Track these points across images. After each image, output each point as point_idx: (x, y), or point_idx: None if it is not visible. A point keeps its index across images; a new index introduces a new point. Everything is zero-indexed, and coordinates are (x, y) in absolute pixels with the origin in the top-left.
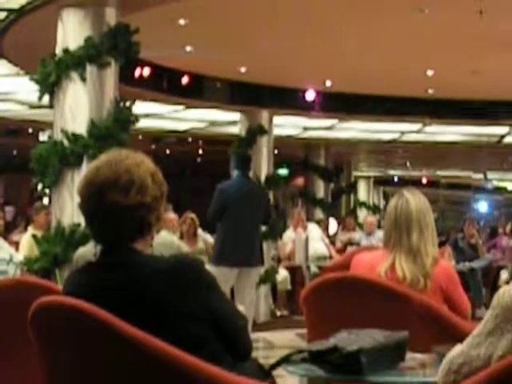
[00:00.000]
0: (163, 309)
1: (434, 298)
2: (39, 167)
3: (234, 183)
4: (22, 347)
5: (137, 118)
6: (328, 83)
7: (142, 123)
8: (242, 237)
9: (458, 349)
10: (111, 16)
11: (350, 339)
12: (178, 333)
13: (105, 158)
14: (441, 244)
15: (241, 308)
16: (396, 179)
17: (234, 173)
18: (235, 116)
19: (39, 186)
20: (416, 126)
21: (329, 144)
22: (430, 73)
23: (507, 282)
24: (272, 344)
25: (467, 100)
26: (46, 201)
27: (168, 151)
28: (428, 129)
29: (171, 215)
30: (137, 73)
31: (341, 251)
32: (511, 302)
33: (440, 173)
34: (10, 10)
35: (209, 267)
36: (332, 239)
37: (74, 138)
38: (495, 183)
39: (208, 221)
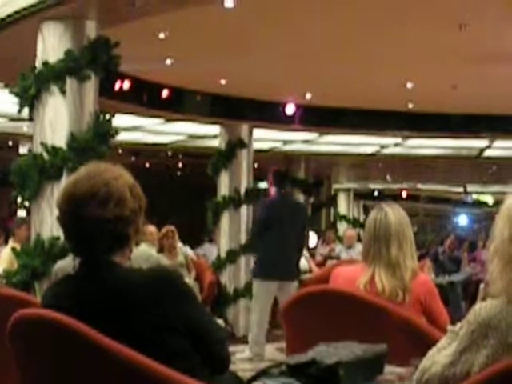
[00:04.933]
0: (141, 321)
1: (413, 311)
2: (19, 180)
3: (275, 199)
4: (0, 360)
5: (116, 131)
6: (308, 96)
7: (122, 136)
8: (284, 251)
9: (432, 371)
10: (91, 29)
11: (328, 352)
12: (156, 344)
13: (84, 172)
14: (420, 257)
15: (220, 321)
16: (376, 193)
17: (272, 189)
18: (215, 129)
19: (19, 199)
20: (396, 140)
21: (309, 157)
22: (409, 86)
23: (483, 298)
24: (251, 357)
25: (447, 114)
26: (21, 213)
27: (148, 164)
28: (408, 142)
29: (151, 228)
30: (117, 86)
31: (321, 265)
32: (488, 317)
33: (420, 186)
34: None
35: (254, 281)
36: (312, 252)
37: (54, 150)
38: (475, 197)
39: (251, 235)
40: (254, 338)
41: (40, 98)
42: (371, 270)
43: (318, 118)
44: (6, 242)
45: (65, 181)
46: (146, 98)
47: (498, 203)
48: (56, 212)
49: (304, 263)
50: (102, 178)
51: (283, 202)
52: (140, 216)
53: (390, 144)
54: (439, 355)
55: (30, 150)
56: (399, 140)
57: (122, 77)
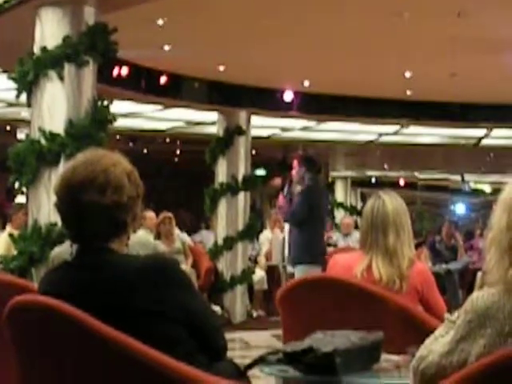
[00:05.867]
0: (137, 308)
1: (410, 300)
2: (16, 165)
3: (314, 185)
4: None
5: (114, 117)
6: (306, 83)
7: (120, 122)
8: (323, 236)
9: (428, 359)
10: (90, 15)
11: (325, 340)
12: (152, 332)
13: (81, 158)
14: (417, 245)
15: (216, 308)
16: (374, 180)
17: (307, 175)
18: (213, 116)
19: (16, 185)
20: (394, 128)
21: (306, 145)
22: (408, 75)
23: (480, 287)
24: (248, 344)
25: (445, 102)
26: (19, 199)
27: (145, 151)
28: (406, 130)
29: (151, 213)
30: (115, 72)
31: None
32: (485, 306)
33: (417, 174)
34: None
35: (301, 267)
36: None
37: (52, 136)
38: (472, 185)
39: (296, 219)
40: None
41: (38, 83)
42: (368, 258)
43: (316, 105)
44: (4, 228)
45: (62, 167)
46: (144, 84)
47: (495, 192)
48: (53, 198)
49: None
50: (100, 164)
51: (320, 187)
52: (138, 203)
53: (387, 132)
54: (436, 344)
55: (27, 136)
56: (397, 128)
57: (120, 63)
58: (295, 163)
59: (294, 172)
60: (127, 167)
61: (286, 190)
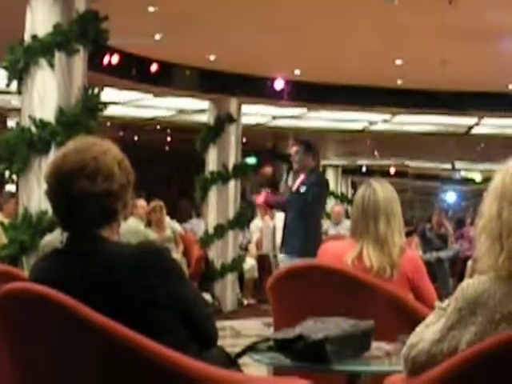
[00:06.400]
0: (127, 296)
1: (401, 288)
2: (6, 154)
3: (322, 174)
4: None
5: (105, 105)
6: (297, 72)
7: (111, 110)
8: (321, 226)
9: (419, 347)
10: (80, 3)
11: (315, 328)
12: (143, 320)
13: (72, 146)
14: (408, 234)
15: (207, 296)
16: (364, 169)
17: (312, 163)
18: (204, 104)
19: (6, 173)
20: (384, 116)
21: (297, 133)
22: (398, 63)
23: (471, 275)
24: (239, 332)
25: (436, 90)
26: (9, 187)
27: (136, 139)
28: (396, 119)
29: (142, 202)
30: (105, 60)
31: None
32: (475, 294)
33: (408, 163)
34: None
35: (303, 260)
36: None
37: (42, 124)
38: (463, 174)
39: (312, 213)
40: None
41: (28, 71)
42: (359, 246)
43: (306, 93)
44: None
45: (53, 155)
46: (135, 72)
47: (486, 180)
48: (44, 186)
49: None
50: (91, 152)
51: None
52: (128, 191)
53: (378, 120)
54: (427, 332)
55: (18, 124)
56: (388, 116)
57: (111, 51)
58: (295, 149)
59: (296, 159)
60: (118, 155)
61: (285, 177)
